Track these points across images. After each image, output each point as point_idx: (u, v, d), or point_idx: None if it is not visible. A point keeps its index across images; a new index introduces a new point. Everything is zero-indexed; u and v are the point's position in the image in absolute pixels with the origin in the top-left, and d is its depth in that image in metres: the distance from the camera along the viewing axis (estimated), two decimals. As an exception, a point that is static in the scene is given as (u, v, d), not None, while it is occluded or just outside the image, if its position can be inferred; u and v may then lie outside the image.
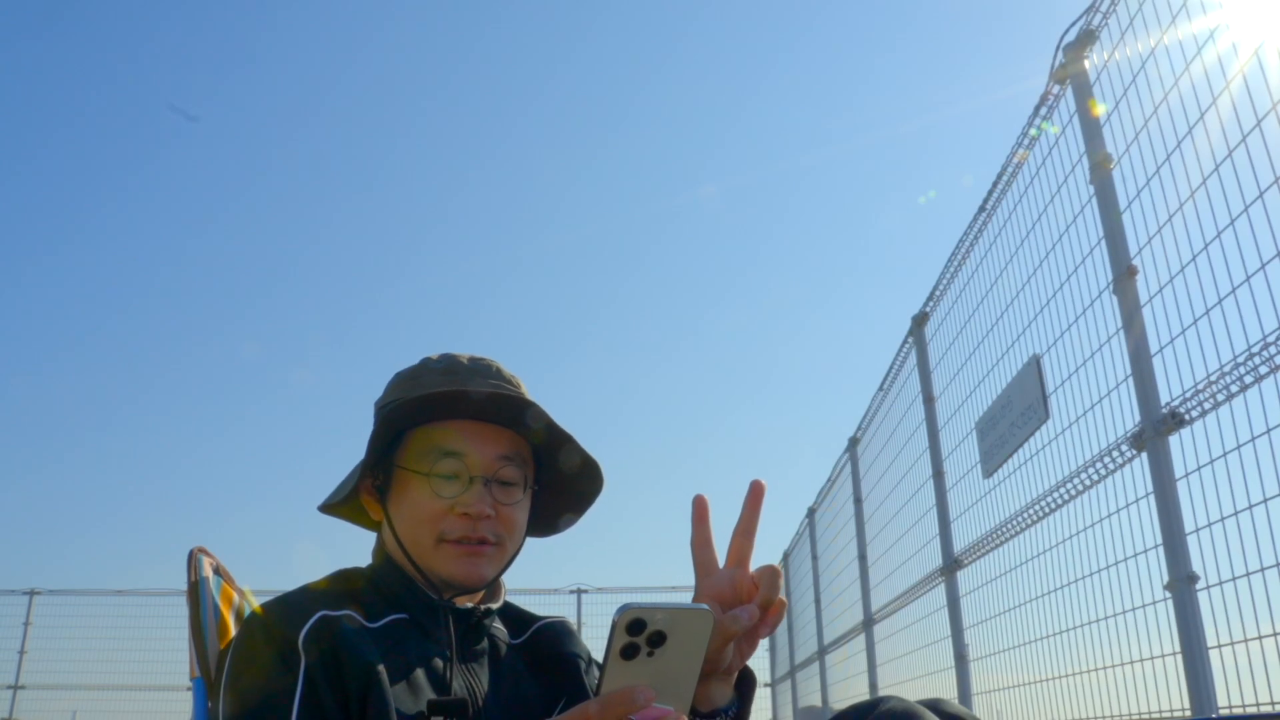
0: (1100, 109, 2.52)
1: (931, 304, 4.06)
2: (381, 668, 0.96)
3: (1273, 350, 1.84)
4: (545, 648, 1.17)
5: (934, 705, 0.98)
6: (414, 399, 1.05)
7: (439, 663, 1.04)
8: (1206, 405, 2.04)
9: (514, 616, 1.21)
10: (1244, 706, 1.94)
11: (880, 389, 5.06)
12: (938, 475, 3.94)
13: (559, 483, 1.17)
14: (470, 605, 1.10)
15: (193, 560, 1.13)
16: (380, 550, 1.13)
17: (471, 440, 1.07)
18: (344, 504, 1.15)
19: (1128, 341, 2.32)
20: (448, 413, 1.08)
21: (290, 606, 0.99)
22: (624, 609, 0.79)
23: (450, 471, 1.06)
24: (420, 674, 1.01)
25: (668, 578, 9.96)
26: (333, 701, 0.93)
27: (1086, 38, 2.58)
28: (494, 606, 1.12)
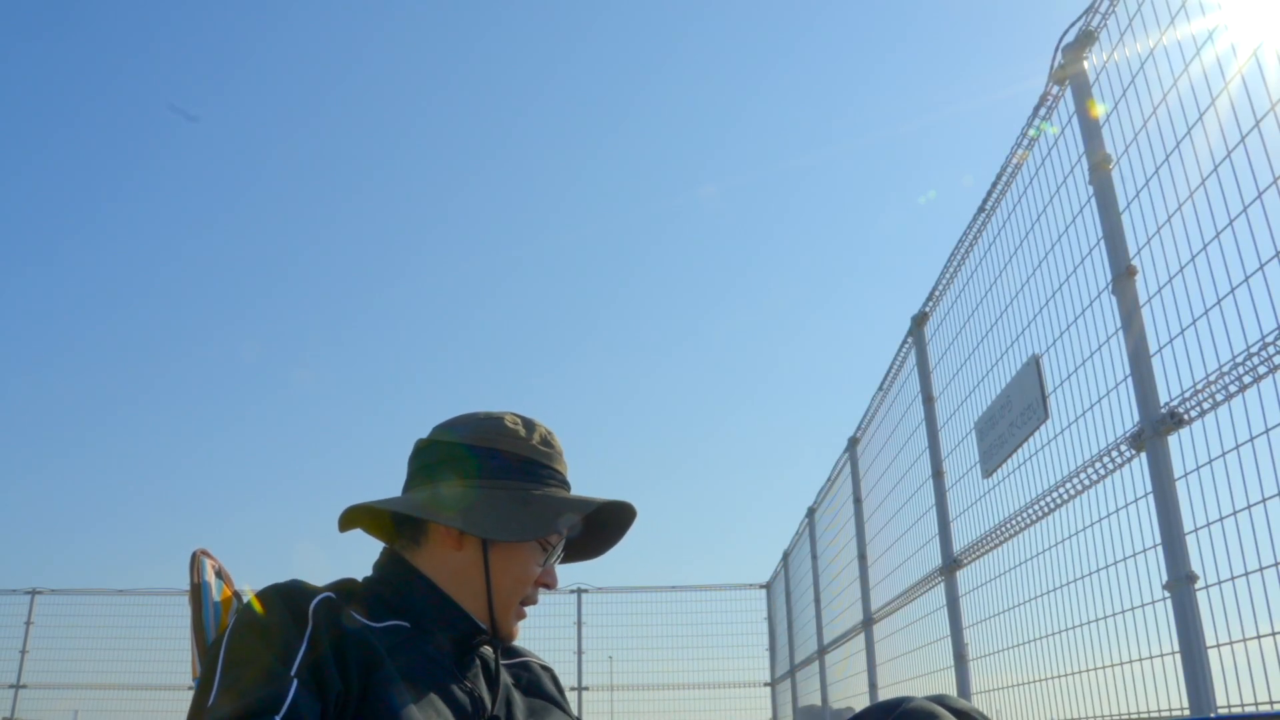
0: (1099, 110, 2.53)
1: (931, 304, 4.06)
2: (385, 654, 1.00)
3: (1272, 350, 1.84)
4: (532, 683, 1.25)
5: (940, 700, 1.02)
6: (601, 503, 1.19)
7: (448, 679, 1.08)
8: (1206, 405, 2.04)
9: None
10: (1243, 706, 1.95)
11: (880, 389, 5.06)
12: (937, 475, 3.94)
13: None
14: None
15: (195, 562, 1.14)
16: (406, 566, 1.15)
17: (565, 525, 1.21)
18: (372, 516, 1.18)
19: (1127, 341, 2.32)
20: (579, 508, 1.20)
21: (300, 583, 1.03)
22: None
23: (558, 552, 1.20)
24: (425, 683, 1.04)
25: (668, 577, 9.98)
26: (333, 667, 0.96)
27: (1086, 38, 2.58)
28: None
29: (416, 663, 1.05)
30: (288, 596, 1.00)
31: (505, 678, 1.20)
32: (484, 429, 1.18)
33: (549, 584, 1.19)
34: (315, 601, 0.99)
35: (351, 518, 1.18)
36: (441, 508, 1.13)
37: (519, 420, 1.20)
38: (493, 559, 1.13)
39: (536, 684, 1.25)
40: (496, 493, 1.14)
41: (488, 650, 1.19)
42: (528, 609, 1.19)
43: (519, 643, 1.30)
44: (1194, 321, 2.08)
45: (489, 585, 1.13)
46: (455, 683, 1.08)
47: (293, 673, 0.92)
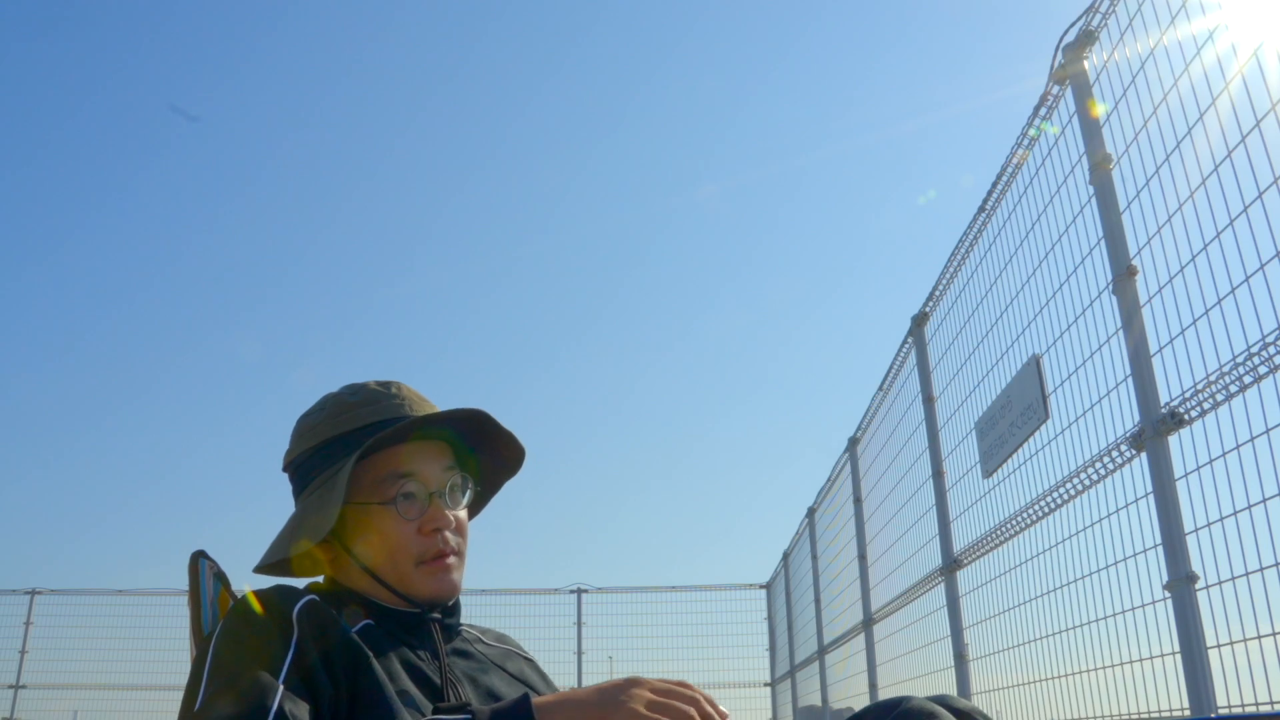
0: (1100, 109, 2.53)
1: (931, 304, 4.06)
2: (370, 653, 1.00)
3: (1272, 350, 1.84)
4: (517, 674, 1.21)
5: (941, 700, 1.01)
6: (387, 434, 1.07)
7: (422, 664, 1.07)
8: (1206, 405, 2.04)
9: (481, 628, 1.26)
10: (1243, 706, 1.94)
11: (880, 389, 5.06)
12: (937, 475, 3.94)
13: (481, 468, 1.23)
14: (437, 614, 1.14)
15: (194, 565, 1.14)
16: (335, 583, 1.14)
17: (418, 459, 1.11)
18: (277, 563, 1.15)
19: (1127, 341, 2.32)
20: (399, 438, 1.11)
21: (283, 588, 1.03)
22: None
23: (410, 492, 1.10)
24: (401, 671, 1.04)
25: (668, 577, 9.98)
26: (322, 671, 0.95)
27: (1086, 38, 2.58)
28: (450, 603, 1.15)
29: (395, 658, 1.05)
30: (272, 602, 0.99)
31: (477, 650, 1.18)
32: (291, 440, 1.17)
33: (439, 525, 1.09)
34: (299, 608, 0.99)
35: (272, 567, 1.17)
36: (275, 545, 1.13)
37: (315, 408, 1.16)
38: (353, 548, 1.10)
39: (520, 671, 1.22)
40: (309, 498, 1.12)
41: (465, 628, 1.19)
42: (453, 560, 1.11)
43: (523, 634, 1.29)
44: (1194, 321, 2.08)
45: (367, 568, 1.09)
46: (427, 665, 1.08)
47: (280, 680, 0.92)
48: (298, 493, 1.16)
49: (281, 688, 0.91)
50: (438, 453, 1.14)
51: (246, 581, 1.17)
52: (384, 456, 1.10)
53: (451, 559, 1.11)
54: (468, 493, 1.15)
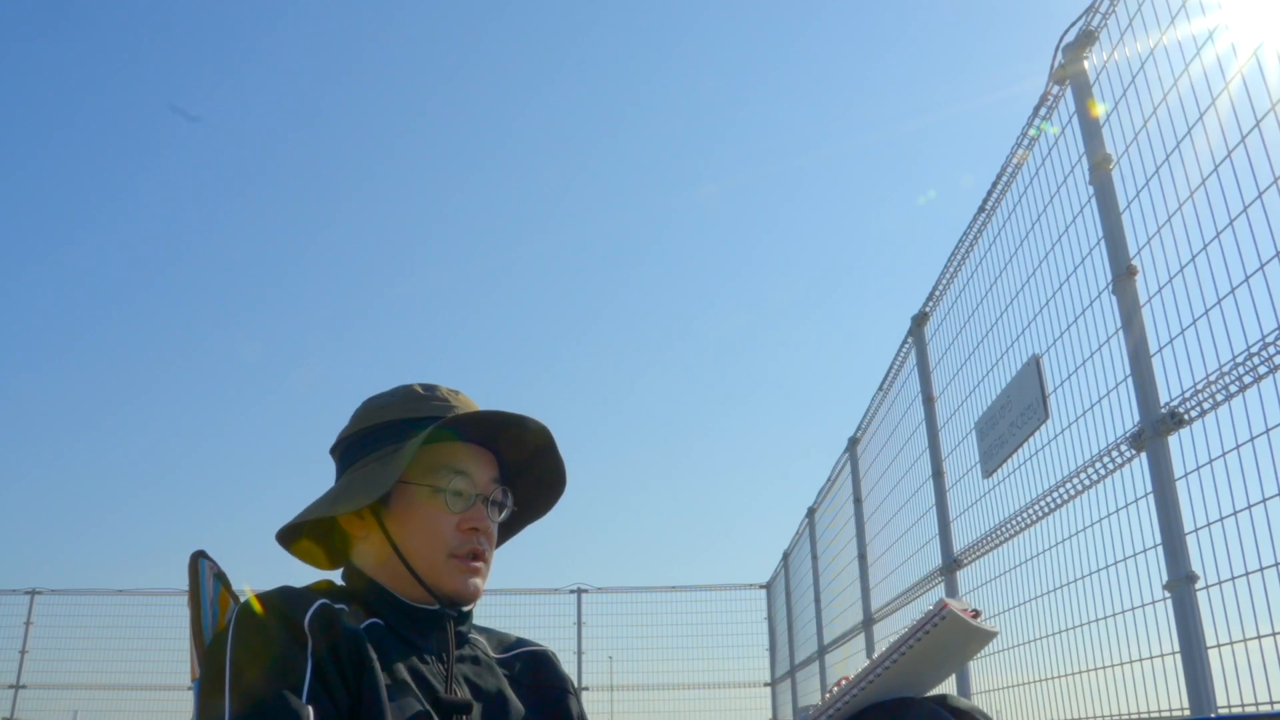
0: (1100, 109, 2.53)
1: (931, 304, 4.06)
2: (374, 657, 1.00)
3: (1272, 350, 1.84)
4: (528, 672, 1.22)
5: (941, 700, 1.02)
6: (463, 415, 1.12)
7: (424, 665, 1.07)
8: (1206, 405, 2.04)
9: (493, 635, 1.26)
10: (1243, 706, 1.94)
11: (880, 389, 5.06)
12: (937, 475, 3.94)
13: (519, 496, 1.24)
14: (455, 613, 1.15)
15: (194, 565, 1.14)
16: (353, 570, 1.15)
17: (472, 461, 1.15)
18: (304, 533, 1.17)
19: (1127, 341, 2.32)
20: (476, 425, 1.14)
21: (291, 593, 1.03)
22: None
23: (460, 489, 1.12)
24: (405, 673, 1.04)
25: (668, 577, 9.98)
26: (337, 679, 0.96)
27: (1086, 38, 2.58)
28: (467, 609, 1.16)
29: (398, 658, 1.05)
30: (280, 608, 0.99)
31: (484, 656, 1.18)
32: (353, 418, 1.19)
33: (479, 526, 1.12)
34: (309, 616, 0.99)
35: (289, 539, 1.18)
36: (314, 506, 1.14)
37: (388, 392, 1.19)
38: (390, 527, 1.11)
39: (539, 672, 1.23)
40: (362, 470, 1.13)
41: (475, 638, 1.19)
42: (482, 565, 1.13)
43: (523, 634, 1.28)
44: (1194, 321, 2.08)
45: (400, 554, 1.10)
46: (430, 668, 1.08)
47: (305, 697, 0.93)
48: (344, 468, 1.17)
49: (311, 709, 0.92)
50: (489, 463, 1.17)
51: (246, 582, 1.17)
52: (442, 449, 1.13)
53: (483, 565, 1.13)
54: (506, 510, 1.18)
